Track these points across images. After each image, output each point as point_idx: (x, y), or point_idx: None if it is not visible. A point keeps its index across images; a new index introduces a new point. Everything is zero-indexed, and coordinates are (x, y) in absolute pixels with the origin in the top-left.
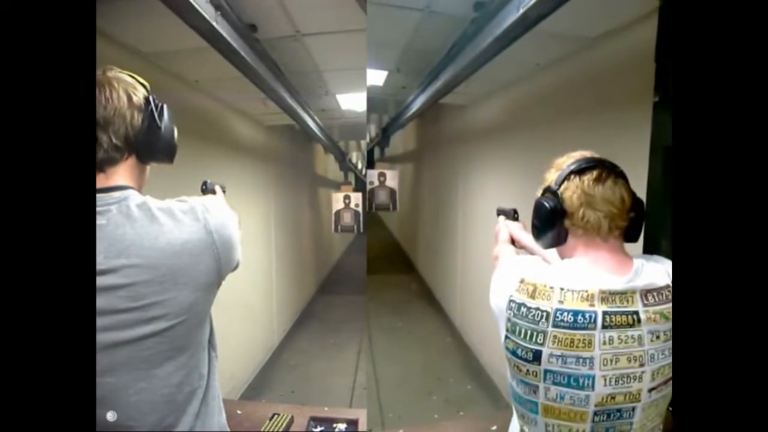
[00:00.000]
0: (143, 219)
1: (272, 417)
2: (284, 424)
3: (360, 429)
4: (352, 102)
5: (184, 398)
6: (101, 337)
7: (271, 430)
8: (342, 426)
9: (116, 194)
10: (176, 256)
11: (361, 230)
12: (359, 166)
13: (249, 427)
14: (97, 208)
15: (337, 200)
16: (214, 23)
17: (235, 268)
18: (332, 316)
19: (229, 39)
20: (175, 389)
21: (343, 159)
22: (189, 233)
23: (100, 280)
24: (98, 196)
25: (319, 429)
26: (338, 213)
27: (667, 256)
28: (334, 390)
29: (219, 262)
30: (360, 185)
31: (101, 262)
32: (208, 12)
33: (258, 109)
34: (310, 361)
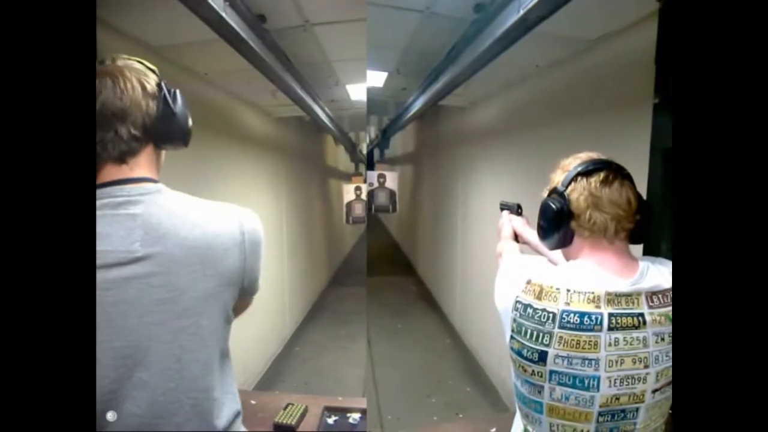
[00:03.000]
0: (180, 210)
1: (286, 407)
2: (298, 414)
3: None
4: (362, 92)
5: (209, 402)
6: (139, 331)
7: (285, 419)
8: (356, 415)
9: (147, 185)
10: (208, 247)
11: (365, 221)
12: (364, 150)
13: (264, 417)
14: (129, 198)
15: (348, 192)
16: (223, 14)
17: (254, 283)
18: (344, 308)
19: (238, 30)
20: (201, 393)
21: (353, 150)
22: (223, 227)
23: (137, 269)
24: (128, 186)
25: (333, 419)
26: (349, 204)
27: (666, 258)
28: (347, 381)
29: (245, 263)
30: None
31: (138, 250)
32: (216, 2)
33: (268, 101)
34: (323, 353)
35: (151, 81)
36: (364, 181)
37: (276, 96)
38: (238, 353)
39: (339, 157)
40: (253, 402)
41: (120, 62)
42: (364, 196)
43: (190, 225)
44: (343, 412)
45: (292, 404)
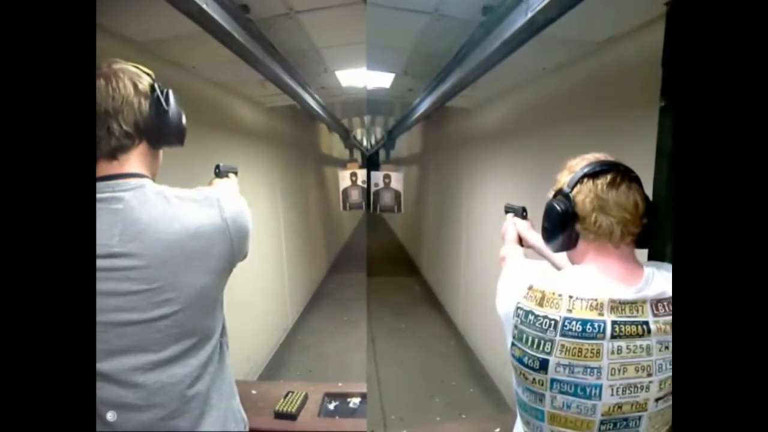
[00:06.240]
0: (159, 204)
1: (287, 395)
2: (299, 401)
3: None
4: (353, 78)
5: (193, 382)
6: (115, 317)
7: (286, 407)
8: (356, 400)
9: (132, 181)
10: (191, 239)
11: (362, 207)
12: (364, 142)
13: (264, 406)
14: (113, 194)
15: (344, 178)
16: (204, 5)
17: (244, 257)
18: (344, 294)
19: (220, 21)
20: (185, 372)
21: (347, 136)
22: (204, 217)
23: (116, 262)
24: (114, 182)
25: (333, 404)
26: (346, 191)
27: (671, 262)
28: (350, 366)
29: (232, 248)
30: (366, 162)
31: (116, 245)
32: None
33: (257, 91)
34: (325, 340)
35: (144, 82)
36: (360, 167)
37: (265, 86)
38: (241, 344)
39: (333, 144)
40: (253, 392)
41: (115, 66)
42: (359, 182)
43: (169, 219)
44: (343, 397)
45: (293, 392)
